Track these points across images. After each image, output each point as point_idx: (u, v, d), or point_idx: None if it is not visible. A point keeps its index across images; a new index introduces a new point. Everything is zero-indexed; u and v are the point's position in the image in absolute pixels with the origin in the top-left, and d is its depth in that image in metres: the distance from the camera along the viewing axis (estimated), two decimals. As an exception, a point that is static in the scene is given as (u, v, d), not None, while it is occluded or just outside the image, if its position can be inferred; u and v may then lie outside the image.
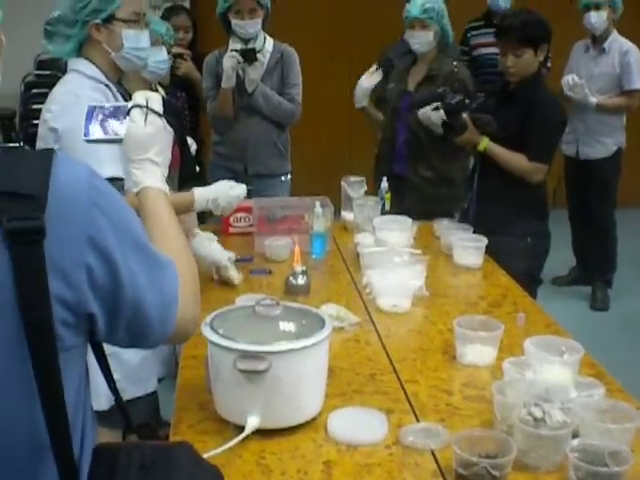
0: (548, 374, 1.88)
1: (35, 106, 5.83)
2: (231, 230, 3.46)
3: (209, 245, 2.83)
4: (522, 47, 3.34)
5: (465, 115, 3.49)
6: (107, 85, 2.42)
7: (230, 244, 3.32)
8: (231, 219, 3.44)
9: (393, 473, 1.73)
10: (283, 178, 4.25)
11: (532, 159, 3.39)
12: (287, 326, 1.90)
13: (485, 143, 3.45)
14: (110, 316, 1.20)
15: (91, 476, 1.24)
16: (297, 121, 4.26)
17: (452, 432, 1.81)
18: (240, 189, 2.81)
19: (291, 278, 2.73)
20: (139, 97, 1.64)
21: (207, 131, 4.64)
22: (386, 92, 4.15)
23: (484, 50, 5.39)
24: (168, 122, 1.68)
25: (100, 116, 1.75)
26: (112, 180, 2.23)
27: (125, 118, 1.66)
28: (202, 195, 2.69)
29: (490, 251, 3.12)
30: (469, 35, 5.59)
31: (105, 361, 1.39)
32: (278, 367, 1.78)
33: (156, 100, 1.64)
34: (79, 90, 2.33)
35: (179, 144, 3.25)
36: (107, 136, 1.72)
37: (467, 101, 3.52)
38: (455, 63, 4.04)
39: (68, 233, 1.11)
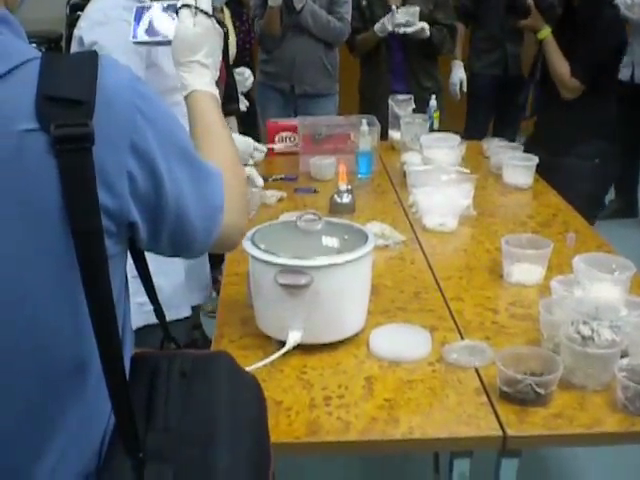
0: (597, 292, 1.83)
1: (82, 28, 5.77)
2: (276, 149, 3.41)
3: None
4: None
5: None
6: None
7: (274, 164, 3.29)
8: (276, 138, 3.39)
9: (435, 390, 1.70)
10: (330, 98, 4.17)
11: (572, 75, 3.25)
12: (329, 241, 1.87)
13: (546, 33, 3.29)
14: (153, 224, 1.16)
15: (132, 384, 1.23)
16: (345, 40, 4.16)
17: (497, 350, 1.78)
18: (259, 153, 2.66)
19: (336, 196, 2.69)
20: None
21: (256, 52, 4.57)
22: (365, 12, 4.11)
23: None
24: (218, 22, 1.62)
25: (148, 17, 1.69)
26: None
27: (174, 19, 1.60)
28: None
29: (554, 173, 3.03)
30: None
31: (147, 272, 1.37)
32: (319, 282, 1.75)
33: (205, 1, 1.58)
34: (109, 10, 2.27)
35: (224, 60, 3.19)
36: (155, 38, 1.67)
37: None
38: None
39: (111, 139, 1.07)
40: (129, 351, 1.26)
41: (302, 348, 1.82)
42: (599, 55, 3.23)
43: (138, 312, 2.45)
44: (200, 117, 1.44)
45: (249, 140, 2.69)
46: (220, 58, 1.62)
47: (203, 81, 1.50)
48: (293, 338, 1.79)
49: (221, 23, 1.63)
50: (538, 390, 1.62)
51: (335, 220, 2.03)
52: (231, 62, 3.50)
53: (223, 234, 1.28)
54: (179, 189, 1.16)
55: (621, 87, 5.15)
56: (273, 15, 3.92)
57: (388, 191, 3.00)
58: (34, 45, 1.15)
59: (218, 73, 1.60)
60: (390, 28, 3.90)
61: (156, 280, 2.33)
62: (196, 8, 1.54)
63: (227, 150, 1.41)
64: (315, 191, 2.95)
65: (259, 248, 1.81)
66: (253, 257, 1.82)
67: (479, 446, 1.60)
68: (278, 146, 3.40)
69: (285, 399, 1.66)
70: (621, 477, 2.88)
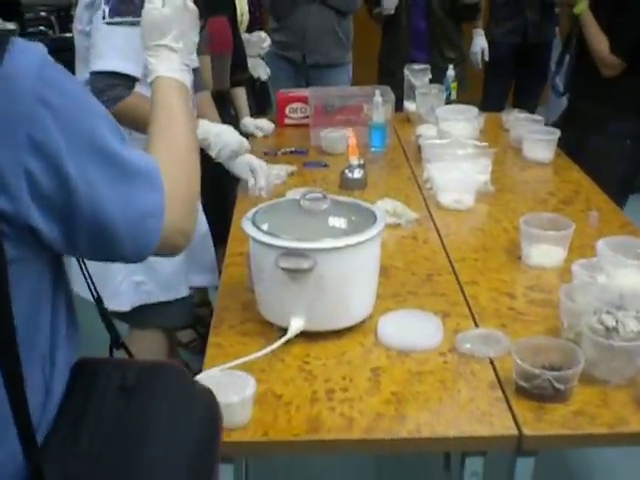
0: (623, 279, 1.70)
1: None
2: (286, 121, 3.29)
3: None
4: None
5: None
6: None
7: (285, 136, 3.17)
8: (287, 109, 3.27)
9: (447, 383, 1.59)
10: (343, 69, 4.04)
11: (613, 51, 3.08)
12: (335, 222, 1.76)
13: (583, 7, 3.12)
14: (65, 229, 1.04)
15: (68, 394, 1.13)
16: (359, 8, 4.02)
17: (513, 339, 1.66)
18: (246, 143, 2.50)
19: (347, 171, 2.57)
20: None
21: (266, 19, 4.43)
22: None
23: None
24: (199, 4, 1.49)
25: None
26: (116, 75, 2.07)
27: None
28: (206, 126, 2.38)
29: (583, 152, 2.89)
30: None
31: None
32: (323, 266, 1.63)
33: None
34: None
35: (232, 29, 3.06)
36: (126, 18, 1.55)
37: None
38: None
39: (5, 134, 0.95)
40: (66, 356, 1.17)
41: (305, 336, 1.70)
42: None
43: (135, 291, 2.38)
44: (161, 106, 1.32)
45: (242, 139, 2.51)
46: (195, 40, 1.48)
47: (170, 67, 1.37)
48: (295, 325, 1.68)
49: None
50: (557, 386, 1.50)
51: (342, 199, 1.90)
52: (244, 29, 3.37)
53: (163, 236, 1.15)
54: (94, 191, 1.05)
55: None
56: None
57: (402, 166, 2.87)
58: (44, 14, 1.05)
59: (194, 56, 1.47)
60: None
61: (153, 260, 2.23)
62: None
63: (183, 144, 1.28)
64: (325, 165, 2.83)
65: (260, 229, 1.69)
66: (253, 239, 1.71)
67: (492, 446, 1.48)
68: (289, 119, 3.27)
69: (285, 392, 1.55)
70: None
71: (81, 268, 1.31)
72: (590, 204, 2.47)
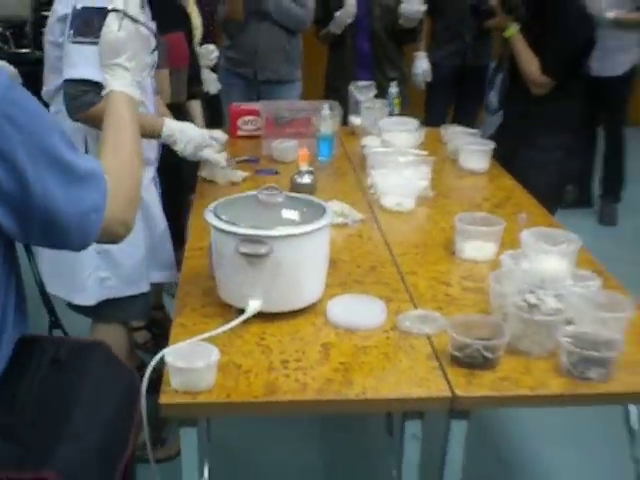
0: (544, 264, 1.91)
1: (46, 13, 5.78)
2: (239, 133, 3.47)
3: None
4: None
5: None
6: None
7: (237, 147, 3.35)
8: (239, 122, 3.45)
9: (389, 355, 1.78)
10: (293, 85, 4.24)
11: (543, 71, 3.32)
12: (289, 213, 1.93)
13: (512, 31, 3.36)
14: (21, 221, 1.26)
15: (9, 366, 1.32)
16: (309, 27, 4.23)
17: (448, 319, 1.86)
18: (208, 135, 2.71)
19: (297, 177, 2.75)
20: (118, 1, 1.63)
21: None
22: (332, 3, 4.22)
23: None
24: (160, 23, 1.69)
25: (85, 18, 1.77)
26: (87, 83, 2.24)
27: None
28: (171, 124, 2.58)
29: (516, 165, 3.12)
30: None
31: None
32: (279, 252, 1.82)
33: (133, 4, 1.64)
34: None
35: (188, 44, 3.24)
36: (87, 38, 1.75)
37: None
38: None
39: None
40: (11, 337, 1.36)
41: (262, 316, 1.88)
42: (569, 51, 3.29)
43: (100, 286, 2.54)
44: (113, 116, 1.54)
45: (203, 132, 2.71)
46: (147, 60, 1.71)
47: (122, 82, 1.59)
48: (253, 306, 1.85)
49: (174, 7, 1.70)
50: (486, 354, 1.70)
51: (295, 194, 2.10)
52: (197, 43, 3.55)
53: (105, 226, 1.37)
54: (47, 191, 1.26)
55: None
56: (236, 0, 3.97)
57: (348, 173, 3.08)
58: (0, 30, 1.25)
59: (144, 73, 1.69)
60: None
61: (118, 256, 2.42)
62: (124, 13, 1.62)
63: (129, 148, 1.50)
64: (277, 172, 3.02)
65: (221, 219, 1.87)
66: (215, 228, 1.88)
67: (429, 406, 1.68)
68: (241, 131, 3.45)
69: (244, 363, 1.73)
70: (565, 439, 3.05)
71: (29, 259, 1.50)
72: (520, 208, 2.69)
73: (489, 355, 1.70)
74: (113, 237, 1.45)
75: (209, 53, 3.60)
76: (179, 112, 3.13)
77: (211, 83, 3.67)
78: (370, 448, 2.89)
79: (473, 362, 1.71)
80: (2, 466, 1.17)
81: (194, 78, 3.34)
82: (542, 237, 2.05)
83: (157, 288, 3.35)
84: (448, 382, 1.68)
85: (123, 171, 1.45)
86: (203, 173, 2.90)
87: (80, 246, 1.38)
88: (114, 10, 1.62)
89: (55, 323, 1.52)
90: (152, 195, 2.70)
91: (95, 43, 1.68)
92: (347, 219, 2.50)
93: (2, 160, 1.19)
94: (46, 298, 1.49)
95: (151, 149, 2.64)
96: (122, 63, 1.61)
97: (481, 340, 1.73)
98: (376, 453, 2.77)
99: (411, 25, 4.15)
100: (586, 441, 3.01)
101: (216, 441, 2.65)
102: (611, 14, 4.97)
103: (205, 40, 3.60)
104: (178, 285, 2.15)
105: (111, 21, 1.62)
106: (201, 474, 1.78)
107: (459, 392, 1.64)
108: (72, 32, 2.19)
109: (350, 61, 4.24)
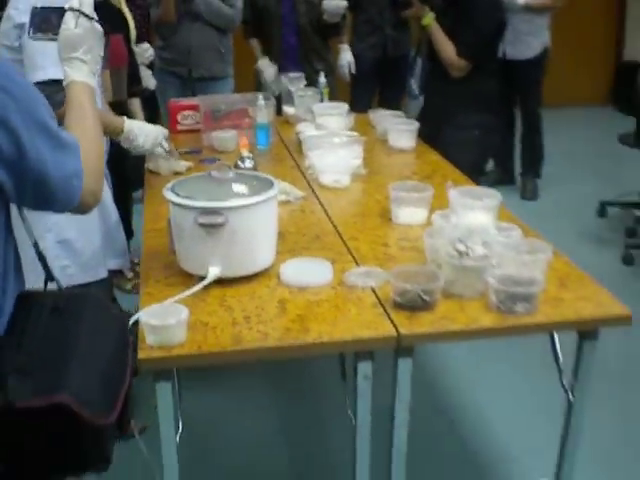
0: (470, 217, 2.15)
1: None
2: (178, 127, 3.64)
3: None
4: None
5: None
6: None
7: (179, 140, 3.52)
8: (178, 117, 3.62)
9: (339, 305, 1.99)
10: (226, 81, 4.43)
11: (459, 55, 3.58)
12: (240, 188, 2.12)
13: (429, 19, 3.62)
14: (17, 181, 1.45)
15: (12, 318, 1.50)
16: (237, 26, 4.43)
17: (390, 272, 2.07)
18: (163, 129, 2.91)
19: (239, 162, 2.94)
20: (74, 1, 1.82)
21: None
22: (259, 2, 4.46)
23: None
24: (102, 25, 1.88)
25: (44, 16, 1.95)
26: (56, 82, 2.40)
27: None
28: (130, 123, 2.78)
29: (439, 142, 3.37)
30: None
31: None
32: (234, 221, 2.01)
33: (87, 4, 1.83)
34: None
35: (127, 46, 3.41)
36: (46, 35, 1.94)
37: None
38: None
39: None
40: (14, 289, 1.55)
41: (221, 282, 2.07)
42: (481, 35, 3.56)
43: (61, 275, 2.68)
44: (75, 101, 1.74)
45: (157, 128, 2.91)
46: (101, 53, 1.90)
47: (81, 74, 1.78)
48: (213, 272, 2.05)
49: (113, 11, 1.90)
50: (425, 297, 1.93)
51: (244, 171, 2.29)
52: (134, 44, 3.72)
53: (80, 197, 1.57)
54: (39, 153, 1.46)
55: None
56: (169, 3, 4.15)
57: (286, 158, 3.28)
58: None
59: (99, 65, 1.88)
60: None
61: (76, 245, 2.61)
62: (79, 12, 1.81)
63: (91, 129, 1.70)
64: (219, 160, 3.20)
65: (179, 196, 2.06)
66: (174, 204, 2.07)
67: (378, 345, 1.89)
68: (181, 125, 3.63)
69: (210, 320, 1.92)
70: (497, 370, 3.48)
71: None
72: (447, 179, 2.90)
73: (427, 298, 1.93)
74: (84, 207, 1.63)
75: (144, 52, 3.77)
76: (121, 109, 3.28)
77: (149, 79, 3.85)
78: (326, 399, 3.21)
79: (414, 305, 1.93)
80: (20, 398, 1.34)
81: (133, 77, 3.51)
82: (467, 194, 2.29)
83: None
84: (393, 323, 1.90)
85: (89, 148, 1.63)
86: (150, 165, 3.07)
87: (63, 208, 1.57)
88: (71, 9, 1.81)
89: (49, 276, 1.68)
90: (105, 187, 2.86)
91: (54, 39, 1.86)
92: (289, 196, 2.70)
93: (3, 127, 1.38)
94: (40, 254, 1.65)
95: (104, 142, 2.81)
96: (80, 56, 1.79)
97: (419, 285, 1.95)
98: (333, 402, 3.03)
99: (335, 20, 4.38)
100: (519, 388, 3.29)
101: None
102: (521, 0, 5.27)
103: (139, 40, 3.77)
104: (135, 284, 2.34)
105: (68, 19, 1.81)
106: (177, 426, 1.97)
107: (403, 331, 1.87)
108: (31, 29, 2.35)
109: (279, 55, 4.45)
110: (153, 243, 2.39)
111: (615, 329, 1.98)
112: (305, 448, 3.01)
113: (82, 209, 1.64)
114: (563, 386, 2.15)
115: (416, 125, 3.31)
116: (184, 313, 1.83)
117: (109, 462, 1.52)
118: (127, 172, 3.45)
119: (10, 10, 2.49)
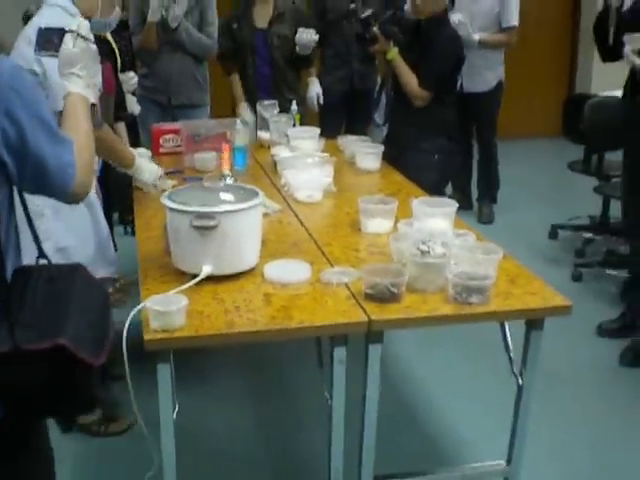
0: (431, 222, 2.45)
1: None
2: (161, 150, 3.92)
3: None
4: None
5: (375, 28, 4.02)
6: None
7: (162, 162, 3.78)
8: (161, 140, 3.90)
9: (317, 298, 2.27)
10: (203, 108, 4.73)
11: (420, 85, 3.92)
12: (229, 196, 2.40)
13: (393, 54, 3.96)
14: (19, 164, 1.71)
15: (11, 288, 1.75)
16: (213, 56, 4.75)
17: (362, 269, 2.36)
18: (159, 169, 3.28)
19: (220, 180, 3.22)
20: (73, 24, 2.13)
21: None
22: (236, 35, 4.76)
23: None
24: (98, 44, 2.19)
25: (47, 36, 2.29)
26: None
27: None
28: (139, 160, 3.18)
29: (402, 165, 3.68)
30: None
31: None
32: (225, 224, 2.29)
33: (84, 27, 2.14)
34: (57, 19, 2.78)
35: (114, 75, 3.70)
36: (48, 52, 2.27)
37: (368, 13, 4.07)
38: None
39: None
40: (12, 264, 1.80)
41: (212, 279, 2.34)
42: (442, 68, 3.92)
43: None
44: (71, 109, 2.00)
45: (155, 166, 3.25)
46: (97, 70, 2.22)
47: (77, 86, 2.06)
48: (206, 270, 2.32)
49: (102, 43, 2.20)
50: (392, 290, 2.22)
51: (230, 183, 2.58)
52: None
53: (74, 187, 1.83)
54: (38, 144, 1.73)
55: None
56: (151, 30, 4.45)
57: (262, 177, 3.58)
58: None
59: (95, 80, 2.17)
60: None
61: (72, 252, 2.89)
62: (78, 34, 2.12)
63: (84, 132, 1.95)
64: (202, 179, 3.47)
65: (176, 202, 2.33)
66: (172, 209, 2.34)
67: (352, 329, 2.18)
68: (163, 148, 3.92)
69: (205, 310, 2.19)
70: (450, 359, 3.87)
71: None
72: (410, 196, 3.22)
73: (395, 290, 2.22)
74: (76, 197, 1.87)
75: (130, 79, 4.06)
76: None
77: (133, 105, 4.12)
78: (305, 384, 3.58)
79: (383, 297, 2.22)
80: (26, 344, 1.60)
81: (119, 103, 3.79)
82: (427, 203, 2.60)
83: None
84: (365, 311, 2.18)
85: (82, 145, 1.88)
86: (138, 184, 3.33)
87: (59, 193, 1.82)
88: (70, 31, 2.12)
89: (41, 254, 1.93)
90: (96, 202, 3.13)
91: (55, 56, 2.15)
92: (268, 209, 2.98)
93: (10, 120, 1.67)
94: (35, 234, 1.90)
95: (95, 162, 3.09)
96: (76, 72, 2.07)
97: (388, 279, 2.24)
98: (310, 387, 3.17)
99: (306, 52, 4.70)
100: (478, 390, 3.59)
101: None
102: (477, 36, 5.64)
103: (124, 68, 4.05)
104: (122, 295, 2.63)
105: (68, 39, 2.12)
106: (174, 405, 2.23)
107: (374, 317, 2.15)
108: (37, 47, 2.72)
109: (253, 85, 4.75)
110: (148, 248, 2.66)
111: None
112: (284, 432, 3.32)
113: (74, 198, 1.88)
114: (513, 372, 2.45)
115: (381, 148, 3.63)
116: (184, 301, 2.10)
117: (94, 405, 1.79)
118: (111, 191, 3.73)
119: (27, 28, 2.81)
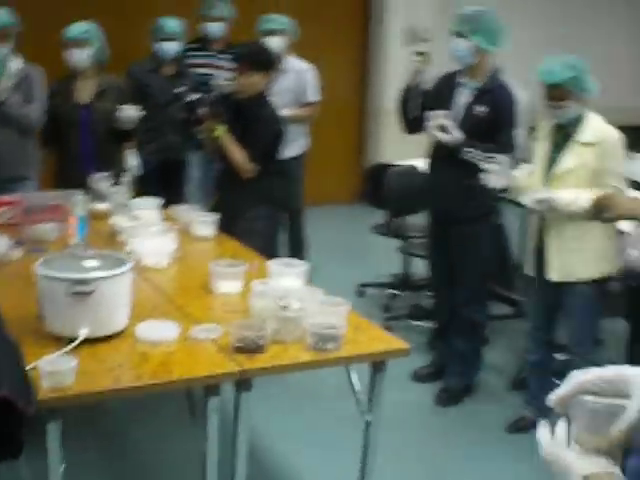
0: (286, 281, 2.76)
1: None
2: (-3, 223, 3.97)
3: None
4: (251, 70, 4.21)
5: (201, 110, 4.30)
6: None
7: (-2, 234, 3.86)
8: (-5, 213, 3.96)
9: (191, 353, 2.51)
10: (31, 182, 4.78)
11: (250, 159, 4.23)
12: (96, 263, 2.58)
13: (220, 132, 4.25)
14: None
15: None
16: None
17: (228, 325, 2.61)
18: None
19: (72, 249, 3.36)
20: None
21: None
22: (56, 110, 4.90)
23: (199, 70, 6.20)
24: None
25: None
26: None
27: None
28: None
29: (233, 232, 3.96)
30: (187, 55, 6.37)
31: None
32: (100, 290, 2.48)
33: None
34: None
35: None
36: None
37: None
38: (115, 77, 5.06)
39: None
40: None
41: (87, 342, 2.50)
42: (264, 143, 4.26)
43: None
44: None
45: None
46: None
47: None
48: (83, 333, 2.48)
49: None
50: (258, 342, 2.48)
51: (97, 250, 2.76)
52: None
53: None
54: None
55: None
56: None
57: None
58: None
59: None
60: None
61: None
62: None
63: None
64: (45, 250, 3.59)
65: (51, 269, 2.49)
66: (46, 277, 2.49)
67: (226, 378, 2.43)
68: None
69: (89, 369, 2.35)
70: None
71: None
72: (246, 260, 3.51)
73: (261, 342, 2.49)
74: None
75: None
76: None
77: None
78: (179, 436, 3.60)
79: (250, 348, 2.48)
80: None
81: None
82: (284, 264, 2.90)
83: None
84: (236, 362, 2.44)
85: None
86: None
87: None
88: None
89: None
90: None
91: None
92: (121, 276, 3.16)
93: None
94: None
95: None
96: None
97: (254, 333, 2.51)
98: (184, 437, 3.37)
99: (128, 127, 4.89)
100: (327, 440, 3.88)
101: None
102: (284, 111, 6.06)
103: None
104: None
105: None
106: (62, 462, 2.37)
107: (246, 366, 2.41)
108: None
109: (76, 157, 4.86)
110: (15, 315, 2.76)
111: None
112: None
113: None
114: (361, 411, 2.77)
115: (214, 217, 3.90)
116: (73, 362, 2.26)
117: (21, 452, 1.91)
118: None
119: None
